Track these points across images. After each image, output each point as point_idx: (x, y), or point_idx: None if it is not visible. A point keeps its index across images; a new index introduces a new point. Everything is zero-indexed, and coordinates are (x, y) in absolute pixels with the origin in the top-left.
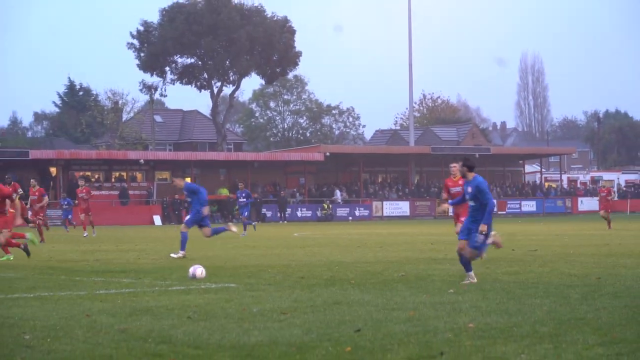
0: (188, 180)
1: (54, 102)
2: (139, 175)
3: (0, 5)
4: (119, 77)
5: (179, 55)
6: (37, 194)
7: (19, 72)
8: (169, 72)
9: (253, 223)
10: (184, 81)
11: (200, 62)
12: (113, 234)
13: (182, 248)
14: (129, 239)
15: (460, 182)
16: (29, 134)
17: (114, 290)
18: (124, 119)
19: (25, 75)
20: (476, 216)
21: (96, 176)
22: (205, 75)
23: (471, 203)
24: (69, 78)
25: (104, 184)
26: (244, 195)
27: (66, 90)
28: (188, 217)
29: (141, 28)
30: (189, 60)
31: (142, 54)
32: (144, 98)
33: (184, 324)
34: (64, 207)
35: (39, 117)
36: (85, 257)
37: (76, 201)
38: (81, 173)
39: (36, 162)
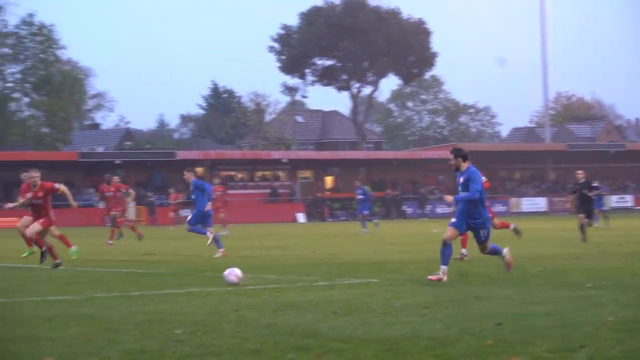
0: (200, 170)
1: (199, 105)
2: (282, 174)
3: (148, 14)
4: (261, 80)
5: (318, 58)
6: (112, 189)
7: (166, 77)
8: (309, 74)
9: (374, 220)
10: (323, 82)
11: (339, 64)
12: (258, 231)
13: (219, 246)
14: (273, 236)
15: None
16: (176, 135)
17: (260, 286)
18: (266, 119)
19: (171, 79)
20: (470, 209)
21: (239, 176)
22: (345, 77)
23: (463, 194)
24: (213, 81)
25: (248, 183)
26: (360, 192)
27: (211, 93)
28: (190, 216)
29: (282, 32)
30: (329, 62)
31: (283, 57)
32: (285, 99)
33: (329, 319)
34: None
35: (185, 119)
36: (231, 253)
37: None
38: (226, 173)
39: (183, 163)
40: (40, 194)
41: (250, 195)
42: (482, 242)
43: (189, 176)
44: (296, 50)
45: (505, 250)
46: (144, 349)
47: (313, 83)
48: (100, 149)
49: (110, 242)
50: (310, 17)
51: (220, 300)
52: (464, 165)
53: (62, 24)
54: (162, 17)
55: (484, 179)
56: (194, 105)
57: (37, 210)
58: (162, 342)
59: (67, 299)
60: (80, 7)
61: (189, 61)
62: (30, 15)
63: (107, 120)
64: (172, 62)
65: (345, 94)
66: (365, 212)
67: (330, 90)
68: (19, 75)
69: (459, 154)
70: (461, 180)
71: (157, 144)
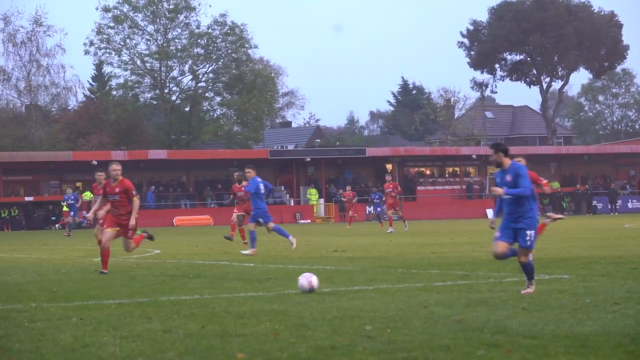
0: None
1: (388, 101)
2: (471, 170)
3: (338, 12)
4: (450, 76)
5: (508, 53)
6: (242, 189)
7: (356, 74)
8: (498, 69)
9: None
10: (513, 77)
11: (529, 59)
12: (448, 227)
13: (287, 235)
14: (463, 232)
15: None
16: (365, 132)
17: (450, 282)
18: (456, 115)
19: (361, 76)
20: (517, 211)
21: (427, 172)
22: (534, 71)
23: (514, 190)
24: (403, 78)
25: (437, 179)
26: None
27: (400, 90)
28: (261, 220)
29: (471, 27)
30: (518, 57)
31: (472, 52)
32: (475, 95)
33: (519, 315)
34: (374, 201)
35: (374, 116)
36: (422, 250)
37: (383, 198)
38: (416, 169)
39: (373, 159)
40: (118, 189)
41: (440, 191)
42: (525, 247)
43: (252, 173)
44: (485, 45)
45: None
46: (335, 345)
47: (502, 78)
48: (290, 147)
49: (246, 241)
50: (500, 12)
51: (410, 297)
52: (507, 161)
53: (253, 23)
54: (352, 14)
55: (544, 181)
56: (384, 102)
57: (116, 208)
58: (353, 338)
59: (258, 295)
60: (271, 6)
61: (378, 58)
62: (222, 15)
63: (297, 118)
64: (361, 59)
65: (535, 89)
66: None
67: (520, 85)
68: (211, 75)
69: (500, 148)
70: (508, 178)
71: (347, 141)
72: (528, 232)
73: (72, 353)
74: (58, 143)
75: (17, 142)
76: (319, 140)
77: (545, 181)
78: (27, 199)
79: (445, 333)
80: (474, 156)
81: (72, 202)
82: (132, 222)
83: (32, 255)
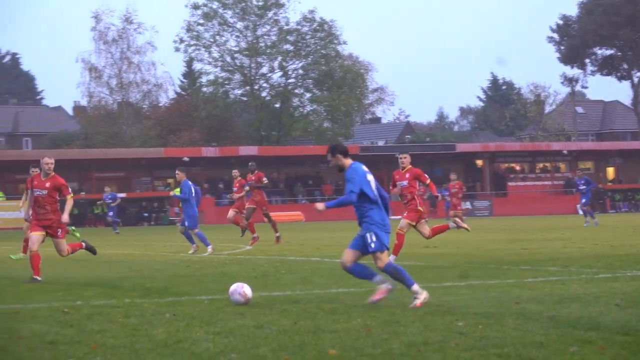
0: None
1: (478, 97)
2: (562, 166)
3: (425, 6)
4: (540, 71)
5: (598, 47)
6: (253, 178)
7: (446, 70)
8: (588, 64)
9: (588, 214)
10: (604, 72)
11: (619, 53)
12: (538, 223)
13: (207, 244)
14: (554, 228)
15: (407, 175)
16: (455, 128)
17: (542, 278)
18: (546, 111)
19: (451, 72)
20: (366, 214)
21: (517, 167)
22: (625, 66)
23: (338, 199)
24: (492, 73)
25: (528, 175)
26: (582, 182)
27: (489, 85)
28: (187, 223)
29: (561, 22)
30: (608, 52)
31: (562, 47)
32: (565, 90)
33: (612, 311)
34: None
35: (464, 112)
36: (512, 246)
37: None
38: (506, 165)
39: (463, 155)
40: (48, 184)
41: (530, 187)
42: (373, 251)
43: (182, 176)
44: (575, 40)
45: (381, 284)
46: (427, 340)
47: (593, 73)
48: (380, 143)
49: (255, 235)
50: (590, 6)
51: (501, 293)
52: (348, 163)
53: (342, 19)
54: (442, 8)
55: (428, 180)
56: (473, 98)
57: (41, 207)
58: (445, 334)
59: (349, 291)
60: (359, 2)
61: (468, 53)
62: (311, 11)
63: (387, 114)
64: (451, 55)
65: (626, 84)
66: (583, 201)
67: (611, 80)
68: (300, 71)
69: (336, 150)
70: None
71: (436, 137)
72: (368, 236)
73: (166, 349)
74: (149, 140)
75: (109, 139)
76: (409, 136)
77: (429, 180)
78: (119, 195)
79: (538, 329)
80: (565, 152)
81: (110, 201)
82: (65, 218)
83: (124, 252)
